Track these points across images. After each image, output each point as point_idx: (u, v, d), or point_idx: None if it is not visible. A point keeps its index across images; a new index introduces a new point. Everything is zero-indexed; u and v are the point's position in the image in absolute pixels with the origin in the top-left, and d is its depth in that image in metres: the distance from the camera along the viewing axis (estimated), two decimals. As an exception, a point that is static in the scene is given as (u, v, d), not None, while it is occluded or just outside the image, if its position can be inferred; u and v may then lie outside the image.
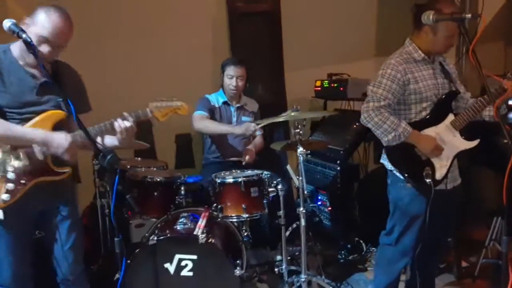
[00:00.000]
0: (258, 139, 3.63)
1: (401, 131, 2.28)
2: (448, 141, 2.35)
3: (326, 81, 3.97)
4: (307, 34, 4.18)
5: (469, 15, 1.83)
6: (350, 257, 3.38)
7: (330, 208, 3.54)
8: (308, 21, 4.18)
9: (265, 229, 3.32)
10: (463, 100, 2.49)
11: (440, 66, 2.44)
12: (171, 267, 2.48)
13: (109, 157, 1.82)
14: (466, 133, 2.39)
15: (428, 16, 2.05)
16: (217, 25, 4.07)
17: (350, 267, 3.28)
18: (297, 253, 3.15)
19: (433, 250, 2.57)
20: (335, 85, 3.85)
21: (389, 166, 2.45)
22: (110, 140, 2.17)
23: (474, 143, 2.38)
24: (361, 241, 3.45)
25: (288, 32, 4.13)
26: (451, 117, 2.37)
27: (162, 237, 2.49)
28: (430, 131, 2.36)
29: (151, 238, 2.47)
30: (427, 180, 2.30)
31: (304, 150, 2.67)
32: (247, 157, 3.35)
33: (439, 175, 2.35)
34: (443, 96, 2.37)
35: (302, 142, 2.72)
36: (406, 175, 2.36)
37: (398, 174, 2.40)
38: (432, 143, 2.31)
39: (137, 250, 2.51)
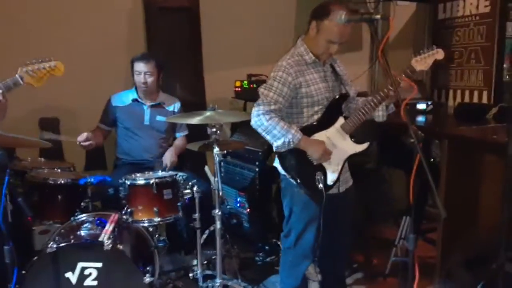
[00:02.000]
0: (180, 140, 3.49)
1: (291, 137, 2.20)
2: (338, 145, 2.32)
3: (246, 82, 3.93)
4: (226, 33, 4.11)
5: (378, 16, 1.87)
6: (267, 259, 3.35)
7: (248, 210, 3.50)
8: (227, 20, 4.12)
9: (183, 233, 3.21)
10: (354, 101, 2.47)
11: (331, 68, 2.40)
12: (73, 277, 2.29)
13: (-5, 156, 1.68)
14: (360, 136, 2.37)
15: (341, 16, 2.07)
16: (132, 19, 3.86)
17: (267, 269, 3.25)
18: (214, 257, 3.06)
19: (336, 252, 2.56)
20: (254, 86, 3.82)
21: (282, 171, 2.39)
22: None
23: (364, 146, 2.36)
24: (278, 243, 3.44)
25: (207, 30, 4.04)
26: (341, 120, 2.33)
27: (62, 244, 2.29)
28: (321, 135, 2.31)
29: (50, 245, 2.27)
30: (319, 186, 2.25)
31: (220, 150, 2.60)
32: (167, 163, 3.20)
33: (330, 180, 2.32)
34: (334, 99, 2.33)
35: (219, 142, 2.65)
36: (298, 181, 2.31)
37: (291, 179, 2.34)
38: (320, 149, 2.25)
39: (34, 259, 2.29)
